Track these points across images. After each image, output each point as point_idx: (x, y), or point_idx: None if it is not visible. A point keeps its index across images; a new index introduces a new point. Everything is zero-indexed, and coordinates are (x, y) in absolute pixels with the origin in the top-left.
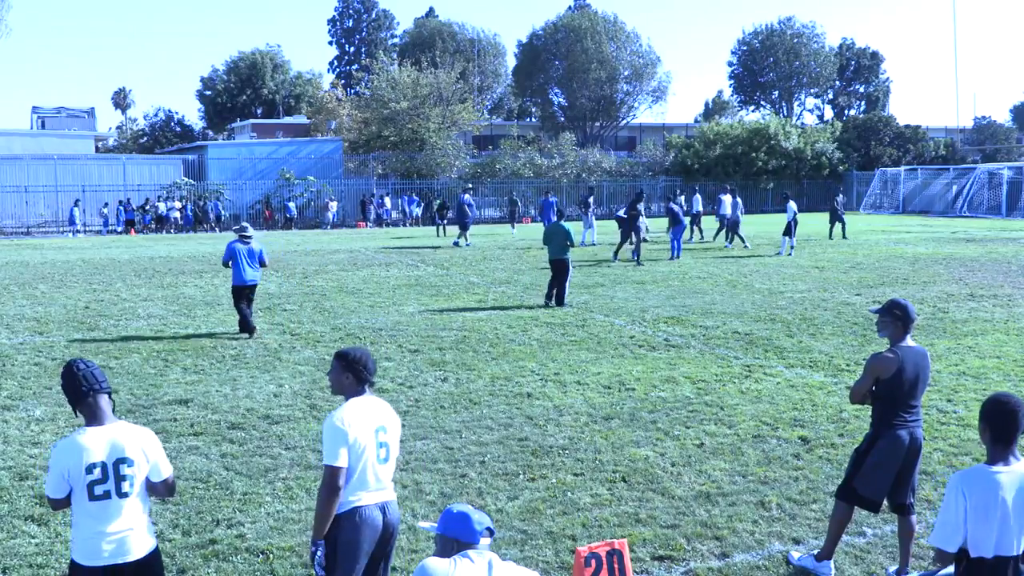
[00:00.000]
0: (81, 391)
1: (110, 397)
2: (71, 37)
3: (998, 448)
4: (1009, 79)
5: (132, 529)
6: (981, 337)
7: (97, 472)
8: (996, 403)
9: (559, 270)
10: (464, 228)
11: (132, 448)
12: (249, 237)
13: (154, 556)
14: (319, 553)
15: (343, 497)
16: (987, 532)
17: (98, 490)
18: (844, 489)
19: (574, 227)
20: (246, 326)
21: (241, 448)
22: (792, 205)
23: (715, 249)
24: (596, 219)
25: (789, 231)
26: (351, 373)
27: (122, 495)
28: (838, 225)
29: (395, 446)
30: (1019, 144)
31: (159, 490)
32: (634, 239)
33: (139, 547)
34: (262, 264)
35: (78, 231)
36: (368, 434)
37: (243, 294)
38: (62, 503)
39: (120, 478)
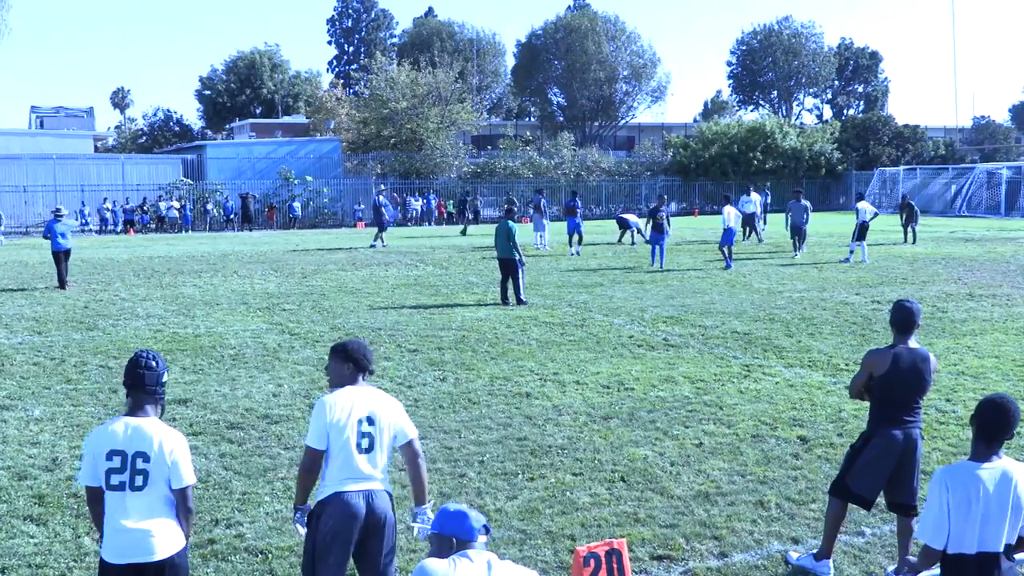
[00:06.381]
0: (130, 384)
1: (162, 397)
2: (71, 37)
3: (982, 446)
4: (1008, 79)
5: (152, 527)
6: (980, 337)
7: (116, 460)
8: (993, 405)
9: (505, 269)
10: (381, 229)
11: (153, 444)
12: (62, 215)
13: (180, 558)
14: (298, 515)
15: (326, 482)
16: (968, 528)
17: (114, 479)
18: (838, 485)
19: (522, 229)
20: (61, 282)
21: (240, 448)
22: (866, 207)
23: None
24: (583, 220)
25: (861, 235)
26: (351, 363)
27: (135, 488)
28: (910, 229)
29: (385, 437)
30: (1018, 144)
31: (176, 499)
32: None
33: (163, 547)
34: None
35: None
36: (350, 422)
37: (59, 258)
38: (96, 493)
39: (136, 471)
